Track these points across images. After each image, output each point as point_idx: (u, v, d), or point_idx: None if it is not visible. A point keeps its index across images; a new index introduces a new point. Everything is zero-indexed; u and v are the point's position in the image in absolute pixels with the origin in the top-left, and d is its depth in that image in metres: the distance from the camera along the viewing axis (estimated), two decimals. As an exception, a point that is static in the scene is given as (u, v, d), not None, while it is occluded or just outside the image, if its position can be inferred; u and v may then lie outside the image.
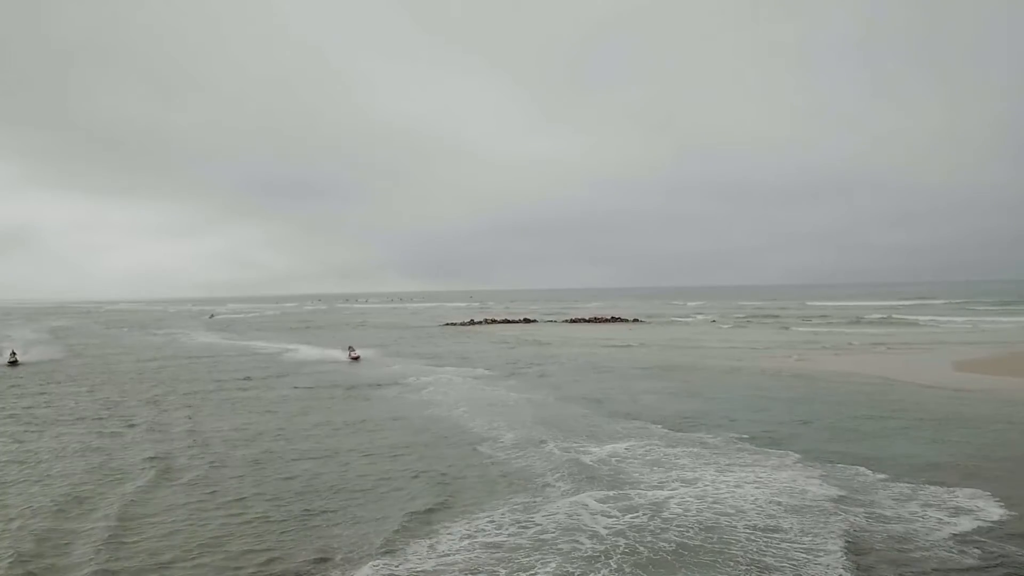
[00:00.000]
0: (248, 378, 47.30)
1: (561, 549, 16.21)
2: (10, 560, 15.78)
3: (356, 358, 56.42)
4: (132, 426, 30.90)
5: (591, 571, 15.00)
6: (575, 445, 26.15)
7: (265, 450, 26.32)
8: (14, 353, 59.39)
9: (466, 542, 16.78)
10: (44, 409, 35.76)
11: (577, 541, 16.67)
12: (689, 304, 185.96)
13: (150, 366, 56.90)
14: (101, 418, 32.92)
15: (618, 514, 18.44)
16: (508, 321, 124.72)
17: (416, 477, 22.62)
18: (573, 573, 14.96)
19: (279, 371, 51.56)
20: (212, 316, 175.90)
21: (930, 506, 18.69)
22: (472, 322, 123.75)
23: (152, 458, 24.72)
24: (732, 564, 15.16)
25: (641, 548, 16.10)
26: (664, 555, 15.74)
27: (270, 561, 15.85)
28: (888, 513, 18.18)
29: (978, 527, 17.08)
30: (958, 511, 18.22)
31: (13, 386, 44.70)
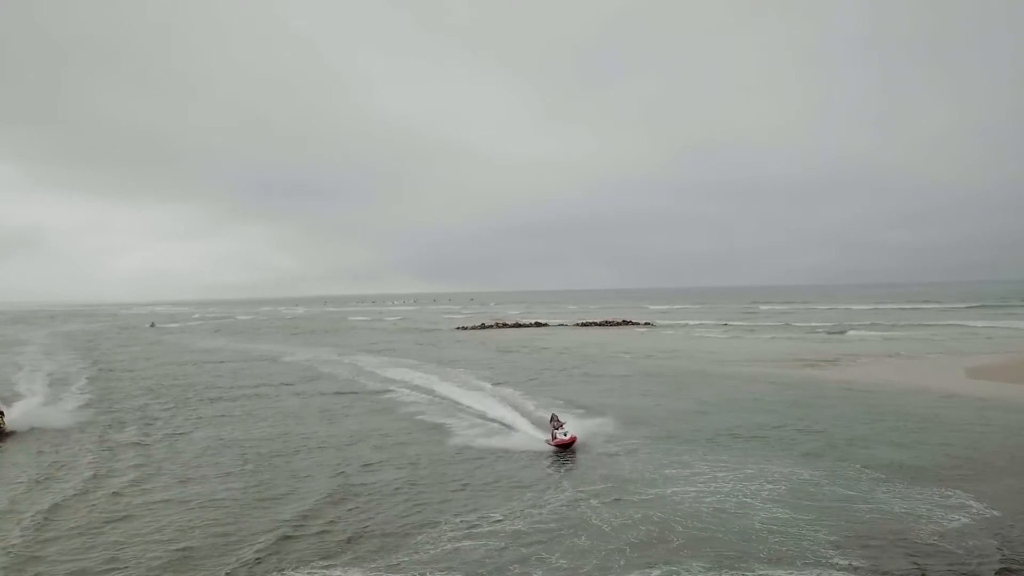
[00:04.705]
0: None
1: (565, 541, 18.00)
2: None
3: (570, 443, 28.14)
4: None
5: (603, 560, 16.86)
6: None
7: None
8: None
9: (480, 530, 18.62)
10: None
11: (582, 532, 18.48)
12: (697, 307, 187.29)
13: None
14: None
15: (623, 509, 20.33)
16: (519, 325, 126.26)
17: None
18: (586, 562, 16.79)
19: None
20: (152, 325, 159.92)
21: (929, 504, 20.26)
22: (483, 326, 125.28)
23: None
24: (750, 553, 16.89)
25: (665, 536, 17.96)
26: (685, 544, 17.50)
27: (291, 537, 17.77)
28: (893, 509, 19.81)
29: (972, 524, 18.69)
30: (954, 509, 19.79)
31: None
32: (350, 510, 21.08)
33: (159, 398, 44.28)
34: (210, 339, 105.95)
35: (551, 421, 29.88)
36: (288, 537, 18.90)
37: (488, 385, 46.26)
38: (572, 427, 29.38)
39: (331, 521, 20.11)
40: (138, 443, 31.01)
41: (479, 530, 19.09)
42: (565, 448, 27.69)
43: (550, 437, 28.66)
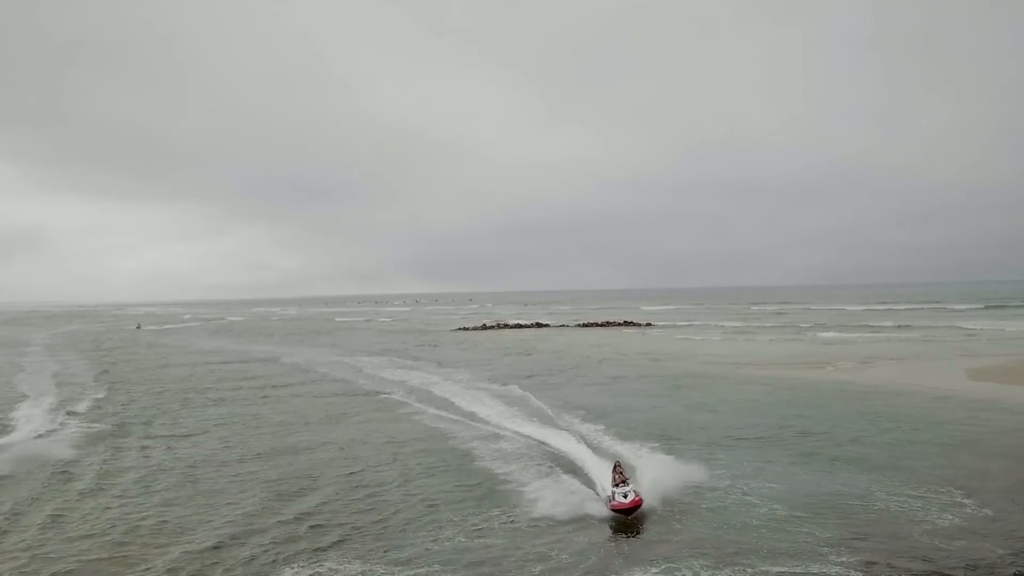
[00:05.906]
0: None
1: (565, 539, 18.46)
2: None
3: (635, 506, 20.32)
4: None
5: (604, 557, 17.24)
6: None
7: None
8: None
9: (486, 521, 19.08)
10: None
11: (581, 530, 18.98)
12: (697, 308, 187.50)
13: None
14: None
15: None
16: (520, 326, 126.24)
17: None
18: (586, 559, 17.16)
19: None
20: (138, 327, 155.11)
21: (923, 503, 20.62)
22: (484, 327, 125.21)
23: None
24: (748, 550, 17.25)
25: (665, 534, 18.36)
26: (685, 542, 17.89)
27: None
28: (889, 508, 20.18)
29: (964, 522, 19.06)
30: (947, 508, 20.15)
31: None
32: (353, 508, 21.39)
33: (149, 400, 44.61)
34: (203, 340, 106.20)
35: (613, 471, 22.01)
36: (293, 532, 19.23)
37: (489, 386, 46.50)
38: (650, 469, 22.85)
39: (333, 518, 20.45)
40: (145, 446, 31.46)
41: (479, 528, 19.42)
42: (627, 514, 20.01)
43: (608, 496, 21.00)
